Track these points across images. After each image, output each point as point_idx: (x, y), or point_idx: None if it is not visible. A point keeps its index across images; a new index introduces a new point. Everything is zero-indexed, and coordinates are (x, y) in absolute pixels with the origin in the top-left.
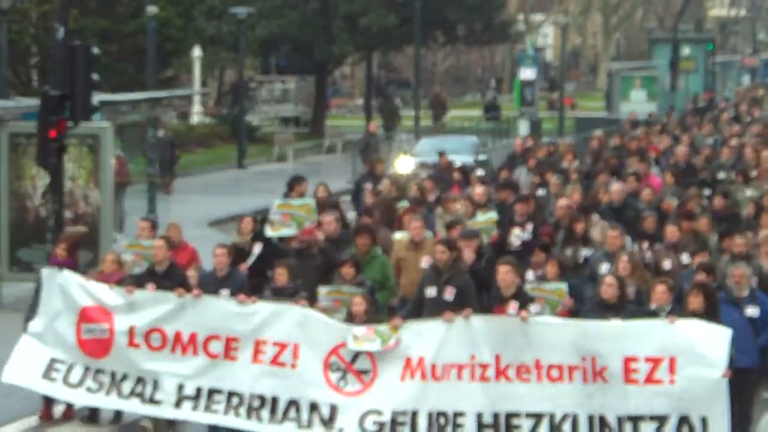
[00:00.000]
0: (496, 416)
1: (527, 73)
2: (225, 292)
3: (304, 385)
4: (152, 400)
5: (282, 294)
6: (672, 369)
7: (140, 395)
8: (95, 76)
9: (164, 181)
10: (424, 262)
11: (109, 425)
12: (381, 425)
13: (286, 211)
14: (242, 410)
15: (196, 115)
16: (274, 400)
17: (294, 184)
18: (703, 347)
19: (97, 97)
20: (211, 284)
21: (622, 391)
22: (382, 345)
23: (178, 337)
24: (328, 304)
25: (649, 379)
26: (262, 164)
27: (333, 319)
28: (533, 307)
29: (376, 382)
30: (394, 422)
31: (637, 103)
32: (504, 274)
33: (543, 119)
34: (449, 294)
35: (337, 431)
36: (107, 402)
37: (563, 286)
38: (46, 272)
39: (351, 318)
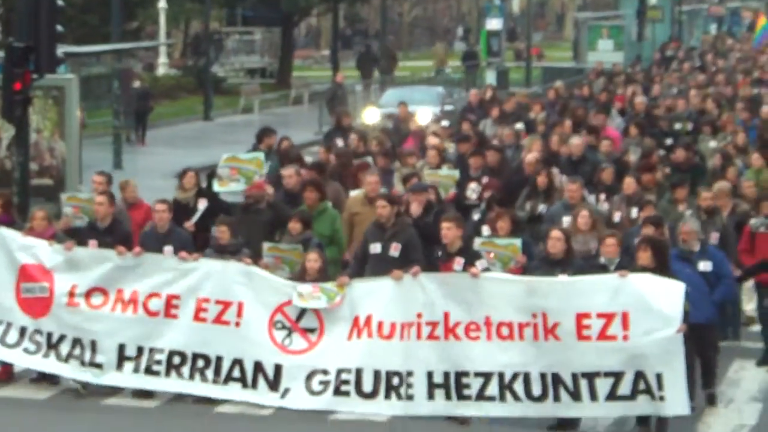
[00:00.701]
0: (446, 375)
1: (493, 23)
2: (168, 248)
3: (248, 344)
4: (92, 363)
5: (224, 252)
6: (625, 325)
7: (79, 358)
8: (60, 28)
9: (138, 133)
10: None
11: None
12: (326, 384)
13: (234, 164)
14: (185, 370)
15: (162, 67)
16: (218, 360)
17: (263, 136)
18: (657, 302)
19: (61, 49)
20: (153, 241)
21: (575, 348)
22: (327, 302)
23: (119, 295)
24: (269, 261)
25: (602, 335)
26: (228, 116)
27: (278, 277)
28: (479, 263)
29: (322, 341)
30: (338, 380)
31: (605, 53)
32: (446, 230)
33: (510, 69)
34: (394, 250)
35: (283, 391)
36: (46, 365)
37: (516, 242)
38: None
39: (303, 274)
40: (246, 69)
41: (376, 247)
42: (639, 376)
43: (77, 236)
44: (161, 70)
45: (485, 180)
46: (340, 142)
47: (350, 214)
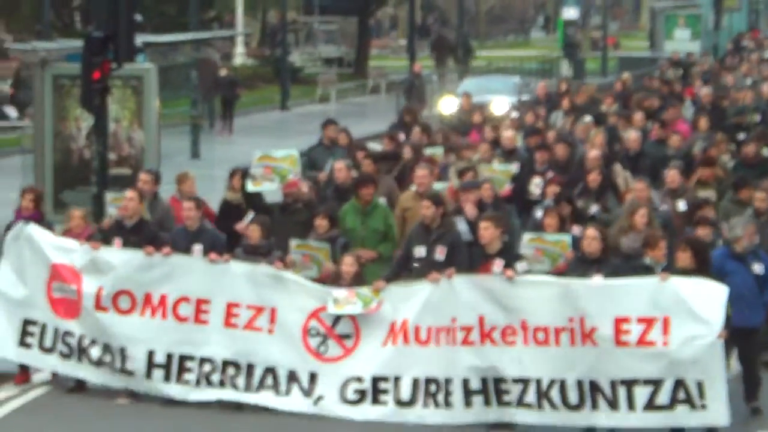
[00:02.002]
0: (483, 381)
1: (570, 12)
2: (198, 247)
3: (282, 352)
4: (123, 370)
5: (255, 253)
6: (666, 330)
7: (110, 364)
8: (138, 17)
9: (225, 122)
10: None
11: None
12: (362, 393)
13: (267, 163)
14: (215, 378)
15: (239, 57)
16: (250, 367)
17: (325, 128)
18: (699, 307)
19: (140, 39)
20: (183, 240)
21: (613, 353)
22: (363, 308)
23: (147, 299)
24: (297, 258)
25: (642, 341)
26: (305, 105)
27: (312, 282)
28: (519, 265)
29: (359, 348)
30: (375, 389)
31: (681, 42)
32: (483, 230)
33: (586, 59)
34: (440, 253)
35: (316, 399)
36: (80, 370)
37: (566, 238)
38: (14, 228)
39: (338, 278)
40: (323, 58)
41: (420, 251)
42: (679, 384)
43: (104, 238)
44: (238, 60)
45: (549, 175)
46: (402, 137)
47: (402, 209)
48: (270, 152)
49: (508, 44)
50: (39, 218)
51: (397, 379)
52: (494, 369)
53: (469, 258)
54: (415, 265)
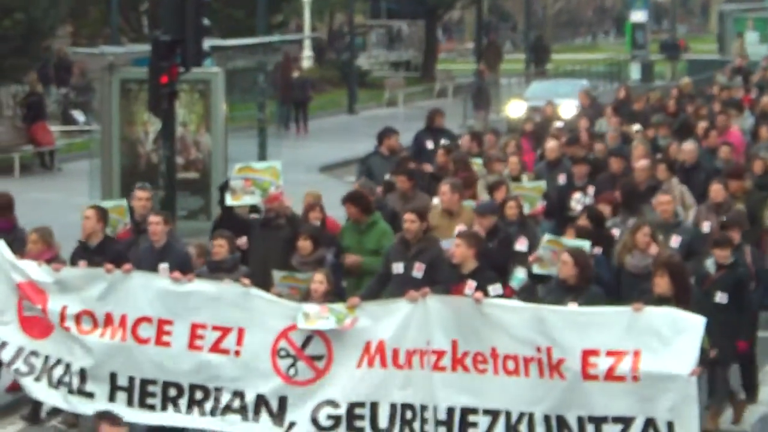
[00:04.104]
0: (450, 411)
1: (638, 15)
2: (163, 266)
3: (249, 375)
4: (81, 392)
5: (218, 270)
6: (635, 365)
7: (68, 385)
8: (206, 22)
9: (298, 123)
10: (457, 230)
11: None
12: (337, 419)
13: (248, 175)
14: (182, 403)
15: (306, 60)
16: (217, 392)
17: (383, 137)
18: (671, 340)
19: (207, 43)
20: (148, 258)
21: (580, 388)
22: (336, 323)
23: (108, 319)
24: (284, 291)
25: (610, 376)
26: (372, 109)
27: (280, 299)
28: (492, 288)
29: (331, 370)
30: (351, 415)
31: (750, 45)
32: (454, 248)
33: (655, 62)
34: (418, 270)
35: (287, 426)
36: (35, 389)
37: (585, 244)
38: None
39: (308, 297)
40: (390, 62)
41: (398, 267)
42: (649, 423)
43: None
44: (305, 64)
45: (590, 190)
46: (430, 144)
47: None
48: (251, 164)
49: (575, 47)
50: (8, 228)
51: (374, 405)
52: (465, 398)
53: None
54: (393, 282)
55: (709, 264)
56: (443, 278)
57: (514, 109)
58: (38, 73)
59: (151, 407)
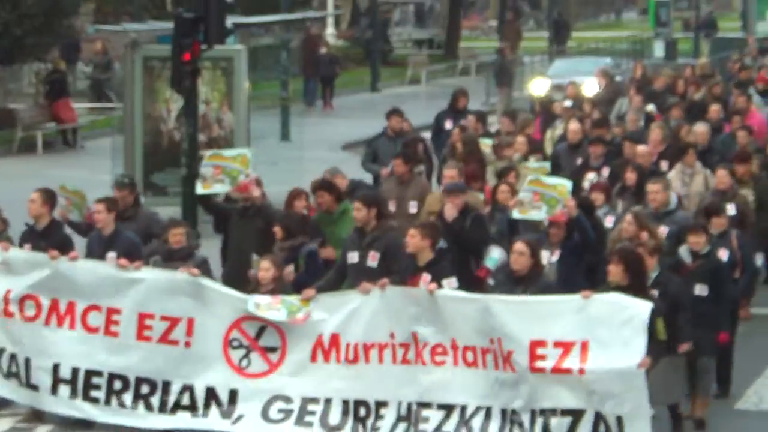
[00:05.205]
0: (409, 406)
1: None
2: (111, 255)
3: (200, 367)
4: (29, 384)
5: (172, 258)
6: (583, 356)
7: (16, 375)
8: None
9: (324, 98)
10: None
11: None
12: (287, 413)
13: (217, 163)
14: (127, 397)
15: (329, 38)
16: (166, 385)
17: (389, 118)
18: (619, 329)
19: (230, 20)
20: (96, 245)
21: (529, 380)
22: (288, 316)
23: (54, 305)
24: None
25: (557, 368)
26: (395, 87)
27: (231, 289)
28: (446, 281)
29: (285, 363)
30: (303, 410)
31: None
32: (408, 238)
33: (678, 40)
34: (372, 259)
35: (235, 418)
36: None
37: (567, 184)
38: None
39: (257, 286)
40: (413, 40)
41: (353, 257)
42: (599, 418)
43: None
44: (328, 41)
45: (605, 171)
46: (448, 125)
47: (427, 213)
48: (220, 151)
49: (599, 25)
50: None
51: (327, 401)
52: (422, 392)
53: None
54: (349, 272)
55: (683, 251)
56: (400, 268)
57: (537, 86)
58: (61, 50)
59: (95, 400)
